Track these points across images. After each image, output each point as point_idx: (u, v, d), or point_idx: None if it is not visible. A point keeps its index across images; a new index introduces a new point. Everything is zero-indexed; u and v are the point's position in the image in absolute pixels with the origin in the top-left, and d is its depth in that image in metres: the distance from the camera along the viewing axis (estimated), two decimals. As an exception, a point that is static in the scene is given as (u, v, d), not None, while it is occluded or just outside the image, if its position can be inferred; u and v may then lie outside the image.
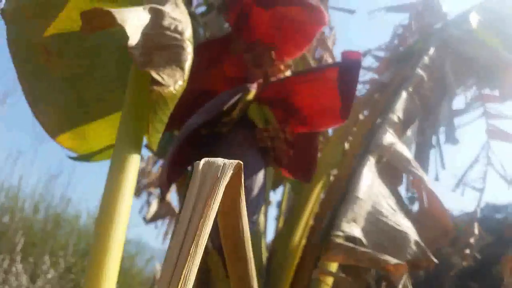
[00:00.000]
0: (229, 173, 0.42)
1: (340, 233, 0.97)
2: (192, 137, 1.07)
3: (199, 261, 0.38)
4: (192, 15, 1.52)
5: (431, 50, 1.51)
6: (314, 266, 1.01)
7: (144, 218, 2.46)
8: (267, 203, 1.68)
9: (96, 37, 0.88)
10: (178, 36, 0.77)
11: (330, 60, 3.20)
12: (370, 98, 1.66)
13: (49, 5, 0.86)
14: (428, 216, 1.11)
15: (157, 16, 0.75)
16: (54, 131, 0.86)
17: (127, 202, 0.68)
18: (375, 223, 1.02)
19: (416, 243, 1.03)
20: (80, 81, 0.86)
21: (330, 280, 1.02)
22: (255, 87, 1.20)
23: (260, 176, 1.10)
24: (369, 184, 1.07)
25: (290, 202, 1.94)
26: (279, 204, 2.25)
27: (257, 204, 1.06)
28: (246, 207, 1.03)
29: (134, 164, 0.70)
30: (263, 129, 1.12)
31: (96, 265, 0.62)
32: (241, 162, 0.43)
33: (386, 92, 1.41)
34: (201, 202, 0.39)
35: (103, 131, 0.87)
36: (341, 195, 1.08)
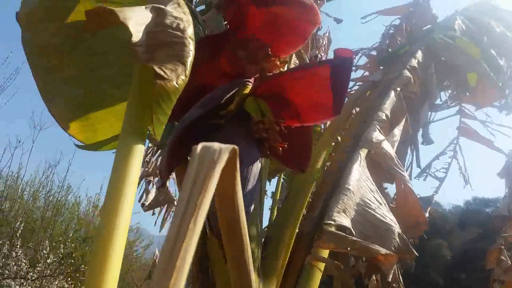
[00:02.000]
0: (225, 157, 0.45)
1: (332, 222, 1.03)
2: (191, 129, 1.11)
3: (197, 239, 0.42)
4: (192, 13, 1.57)
5: (419, 53, 1.57)
6: (306, 253, 1.07)
7: (143, 205, 2.53)
8: (263, 193, 1.74)
9: (104, 37, 0.93)
10: (180, 33, 0.81)
11: (320, 56, 3.27)
12: (361, 96, 1.72)
13: (57, 9, 0.91)
14: (403, 209, 1.18)
15: (159, 15, 0.79)
16: (67, 125, 0.91)
17: (132, 190, 0.73)
18: (363, 214, 1.08)
19: (400, 235, 1.09)
20: (89, 79, 0.91)
21: (322, 266, 1.09)
22: (251, 81, 1.25)
23: (255, 167, 1.15)
24: (358, 177, 1.13)
25: (283, 192, 2.00)
26: (273, 195, 2.32)
27: (252, 193, 1.12)
28: (244, 197, 1.09)
29: (138, 153, 0.76)
30: (259, 121, 1.17)
31: (101, 251, 0.64)
32: (236, 147, 0.47)
33: (376, 90, 1.47)
34: (198, 183, 0.43)
35: (112, 124, 0.92)
36: (332, 187, 1.13)
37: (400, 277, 3.02)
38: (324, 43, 3.43)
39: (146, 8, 0.78)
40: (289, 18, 1.17)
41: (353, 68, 3.22)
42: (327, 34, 3.52)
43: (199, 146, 0.47)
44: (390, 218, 1.10)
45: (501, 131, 2.15)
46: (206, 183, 0.44)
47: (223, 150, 0.48)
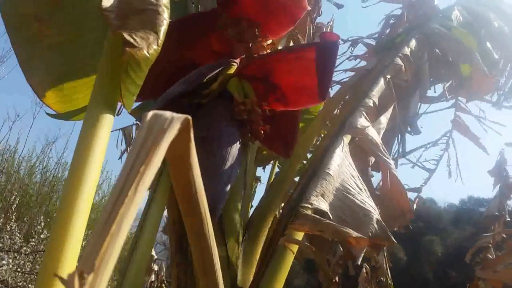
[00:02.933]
0: (176, 126, 0.43)
1: (309, 205, 1.02)
2: (172, 104, 1.09)
3: (137, 206, 0.41)
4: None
5: (412, 42, 1.54)
6: (281, 235, 1.07)
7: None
8: (251, 177, 1.73)
9: (83, 4, 0.90)
10: (154, 1, 0.79)
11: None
12: (355, 84, 1.69)
13: None
14: (388, 197, 1.16)
15: (134, -20, 0.76)
16: (43, 94, 0.89)
17: (99, 160, 0.71)
18: (342, 199, 1.07)
19: (378, 222, 1.07)
20: (68, 47, 0.88)
21: (295, 248, 1.08)
22: (237, 61, 1.23)
23: (234, 147, 1.14)
24: (340, 162, 1.11)
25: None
26: (267, 182, 2.31)
27: (230, 174, 1.10)
28: (220, 175, 1.07)
29: (106, 123, 0.74)
30: (240, 102, 1.15)
31: (63, 223, 0.63)
32: (189, 117, 0.45)
33: (368, 77, 1.44)
34: (144, 150, 0.41)
35: (88, 95, 0.90)
36: (312, 171, 1.12)
37: (388, 270, 3.03)
38: (327, 30, 3.39)
39: None
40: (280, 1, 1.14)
41: (352, 57, 3.18)
42: (331, 23, 3.48)
43: (150, 113, 0.45)
44: (369, 204, 1.09)
45: (495, 128, 2.14)
46: (152, 151, 0.43)
47: (174, 119, 0.46)
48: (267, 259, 1.08)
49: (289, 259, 1.02)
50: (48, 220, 9.17)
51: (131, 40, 0.72)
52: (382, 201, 1.13)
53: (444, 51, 1.61)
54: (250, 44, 1.24)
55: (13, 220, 8.45)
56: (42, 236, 7.65)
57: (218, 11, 1.28)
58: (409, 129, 1.56)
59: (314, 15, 2.93)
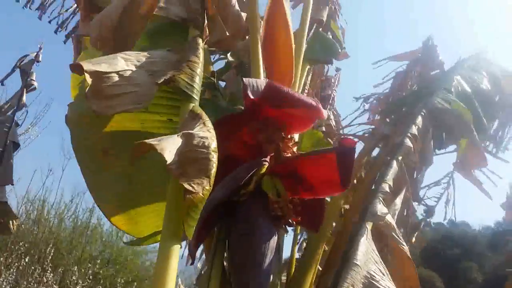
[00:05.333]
0: None
1: (341, 297, 1.18)
2: (215, 207, 1.29)
3: None
4: (216, 89, 1.77)
5: (419, 119, 1.73)
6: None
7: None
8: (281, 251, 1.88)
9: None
10: (205, 150, 1.00)
11: (333, 95, 3.48)
12: (368, 154, 1.87)
13: (100, 117, 1.11)
14: (399, 275, 1.30)
15: (188, 138, 0.98)
16: (111, 215, 1.11)
17: (172, 284, 0.90)
18: (369, 286, 1.22)
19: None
20: (131, 178, 1.10)
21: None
22: (267, 160, 1.42)
23: (272, 241, 1.31)
24: (365, 250, 1.27)
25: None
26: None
27: (270, 265, 1.27)
28: (261, 270, 1.23)
29: (175, 254, 0.94)
30: (274, 201, 1.33)
31: None
32: None
33: (379, 160, 1.62)
34: None
35: (150, 219, 1.11)
36: (342, 260, 1.27)
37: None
38: (335, 83, 3.66)
39: (177, 136, 0.96)
40: (298, 113, 1.34)
41: (365, 110, 3.38)
42: (338, 75, 3.74)
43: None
44: (392, 289, 1.23)
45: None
46: None
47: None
48: None
49: None
50: (81, 268, 9.45)
51: (190, 188, 0.93)
52: (393, 277, 1.27)
53: (446, 125, 1.81)
54: (278, 143, 1.44)
55: (48, 272, 8.75)
56: (78, 287, 7.88)
57: (247, 114, 1.49)
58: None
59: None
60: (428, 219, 2.28)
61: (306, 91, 2.40)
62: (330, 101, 3.47)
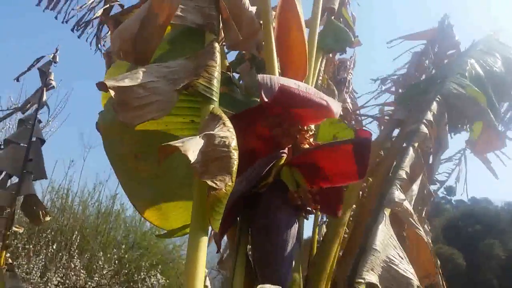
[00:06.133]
0: None
1: (362, 280, 1.24)
2: (237, 200, 1.35)
3: None
4: (232, 83, 1.81)
5: (434, 105, 1.73)
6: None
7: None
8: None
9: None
10: (226, 149, 1.05)
11: (349, 78, 3.48)
12: (386, 140, 1.89)
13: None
14: (416, 261, 1.35)
15: (209, 139, 1.04)
16: (144, 212, 1.19)
17: (202, 274, 0.98)
18: (388, 270, 1.27)
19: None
20: (160, 179, 1.17)
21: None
22: (286, 152, 1.47)
23: (293, 228, 1.37)
24: (383, 237, 1.32)
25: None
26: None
27: (292, 252, 1.33)
28: (284, 258, 1.29)
29: (204, 245, 1.01)
30: (294, 192, 1.39)
31: None
32: None
33: (395, 146, 1.64)
34: None
35: (180, 214, 1.19)
36: (361, 246, 1.33)
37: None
38: (351, 65, 3.62)
39: (199, 137, 1.02)
40: (312, 111, 1.38)
41: (381, 92, 3.36)
42: (353, 58, 3.69)
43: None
44: (410, 272, 1.29)
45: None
46: None
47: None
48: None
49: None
50: (107, 253, 9.84)
51: (213, 185, 0.99)
52: (410, 262, 1.31)
53: (461, 109, 1.81)
54: (296, 136, 1.48)
55: (75, 257, 9.15)
56: (104, 271, 8.25)
57: (263, 109, 1.53)
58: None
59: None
60: (449, 197, 2.31)
61: (320, 78, 2.41)
62: (346, 84, 3.46)
